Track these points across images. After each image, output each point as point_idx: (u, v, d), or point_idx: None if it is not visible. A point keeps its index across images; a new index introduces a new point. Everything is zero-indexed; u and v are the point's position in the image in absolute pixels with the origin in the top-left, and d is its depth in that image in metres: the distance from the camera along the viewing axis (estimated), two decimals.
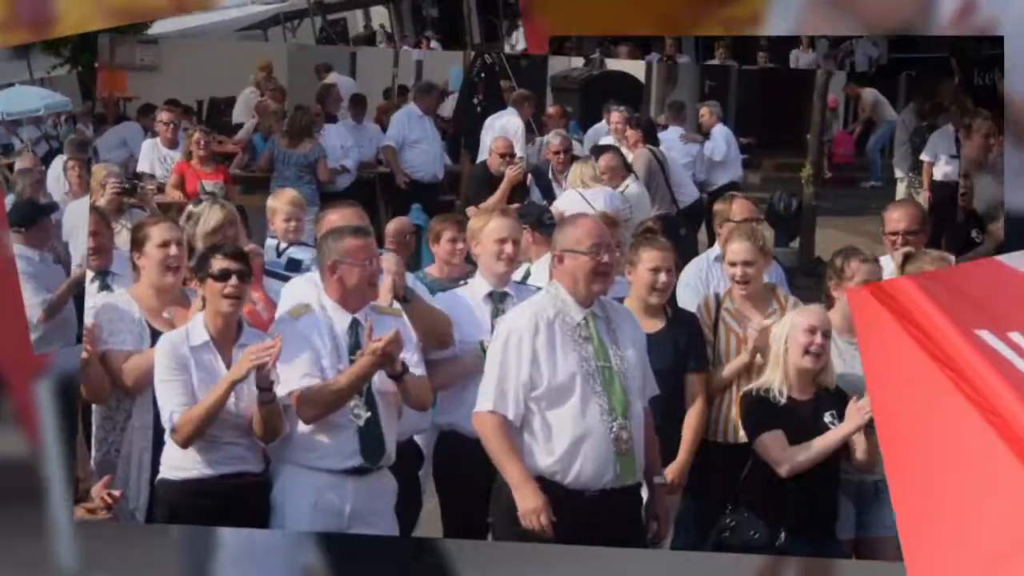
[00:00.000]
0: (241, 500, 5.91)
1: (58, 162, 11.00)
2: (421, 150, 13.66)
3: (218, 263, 5.90)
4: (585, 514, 5.59)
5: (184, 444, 5.81)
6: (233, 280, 5.86)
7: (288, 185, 10.67)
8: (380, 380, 5.85)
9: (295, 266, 7.51)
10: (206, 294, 5.94)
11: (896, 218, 7.01)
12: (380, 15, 21.89)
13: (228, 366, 5.84)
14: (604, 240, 5.71)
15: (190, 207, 7.32)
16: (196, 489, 5.90)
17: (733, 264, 6.57)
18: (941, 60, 12.96)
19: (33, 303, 7.52)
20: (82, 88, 25.80)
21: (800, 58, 14.43)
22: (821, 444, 5.98)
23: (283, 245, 7.88)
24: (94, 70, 20.84)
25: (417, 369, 5.98)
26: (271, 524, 5.99)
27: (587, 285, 5.65)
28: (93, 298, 6.89)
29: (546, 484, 5.61)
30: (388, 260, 6.23)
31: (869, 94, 15.67)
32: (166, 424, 5.87)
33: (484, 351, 6.14)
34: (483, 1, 17.26)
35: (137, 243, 6.40)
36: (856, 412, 5.93)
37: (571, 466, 5.60)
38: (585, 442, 5.59)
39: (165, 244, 6.30)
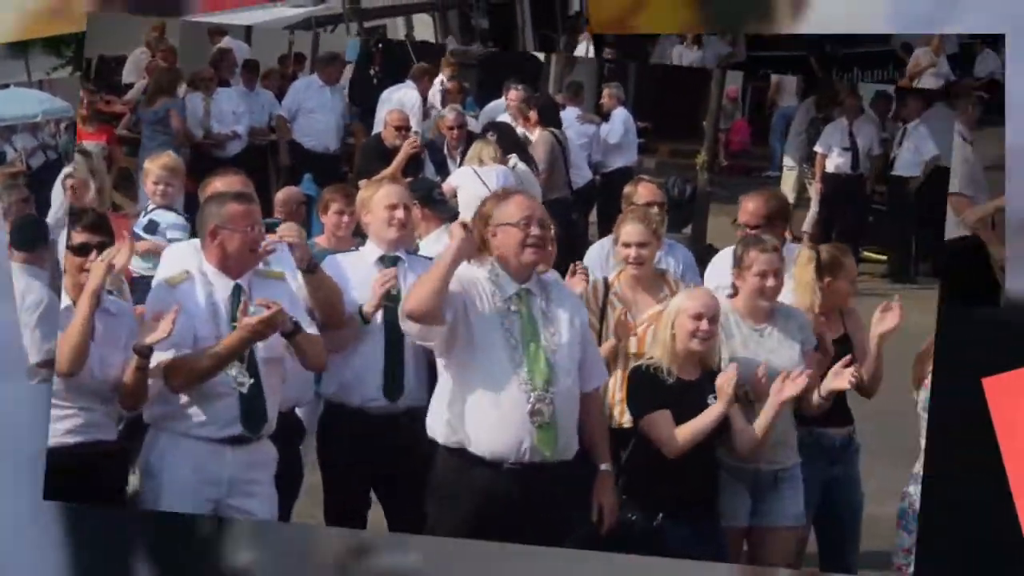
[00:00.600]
0: (96, 469, 5.92)
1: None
2: (316, 119, 13.75)
3: (77, 236, 5.95)
4: (506, 488, 5.64)
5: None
6: (92, 255, 5.87)
7: (146, 144, 10.73)
8: (265, 347, 5.85)
9: (151, 228, 7.73)
10: (67, 265, 6.00)
11: (750, 209, 7.01)
12: (424, 24, 21.98)
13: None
14: (535, 214, 5.78)
15: (66, 168, 7.45)
16: (53, 460, 5.94)
17: (627, 245, 6.60)
18: (801, 59, 13.24)
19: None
20: None
21: (684, 55, 14.51)
22: (700, 423, 6.04)
23: (151, 206, 8.01)
24: None
25: (310, 329, 6.00)
26: (145, 492, 5.99)
27: (518, 257, 5.71)
28: None
29: (459, 455, 5.69)
30: (290, 228, 6.25)
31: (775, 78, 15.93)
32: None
33: (364, 319, 6.29)
34: (539, 13, 17.18)
35: None
36: (722, 389, 5.99)
37: (481, 434, 5.66)
38: (499, 411, 5.64)
39: None
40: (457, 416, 5.71)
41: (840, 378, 6.06)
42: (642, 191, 7.57)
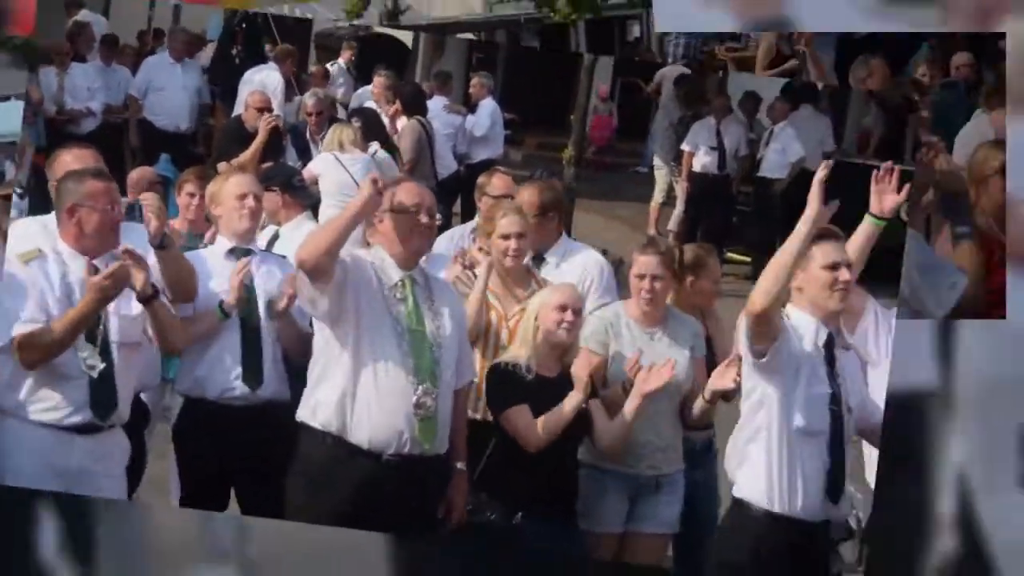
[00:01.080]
0: None
1: None
2: (166, 97, 13.50)
3: None
4: (383, 479, 5.62)
5: None
6: None
7: None
8: (119, 330, 5.78)
9: None
10: None
11: (524, 199, 7.04)
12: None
13: None
14: (425, 202, 5.80)
15: None
16: None
17: (505, 237, 6.57)
18: None
19: None
20: None
21: None
22: (556, 416, 6.04)
23: None
24: None
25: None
26: None
27: (404, 243, 5.73)
28: None
29: (336, 442, 5.64)
30: (152, 198, 6.16)
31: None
32: None
33: (223, 312, 6.25)
34: (596, 37, 17.18)
35: None
36: (577, 376, 6.01)
37: (361, 423, 5.64)
38: (383, 401, 5.63)
39: None
40: (336, 403, 5.67)
41: (724, 378, 6.01)
42: (496, 183, 7.52)
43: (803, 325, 5.58)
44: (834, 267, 5.60)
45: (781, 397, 5.49)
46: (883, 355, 6.12)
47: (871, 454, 6.16)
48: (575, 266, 6.95)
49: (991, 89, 7.65)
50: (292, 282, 6.09)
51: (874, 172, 5.95)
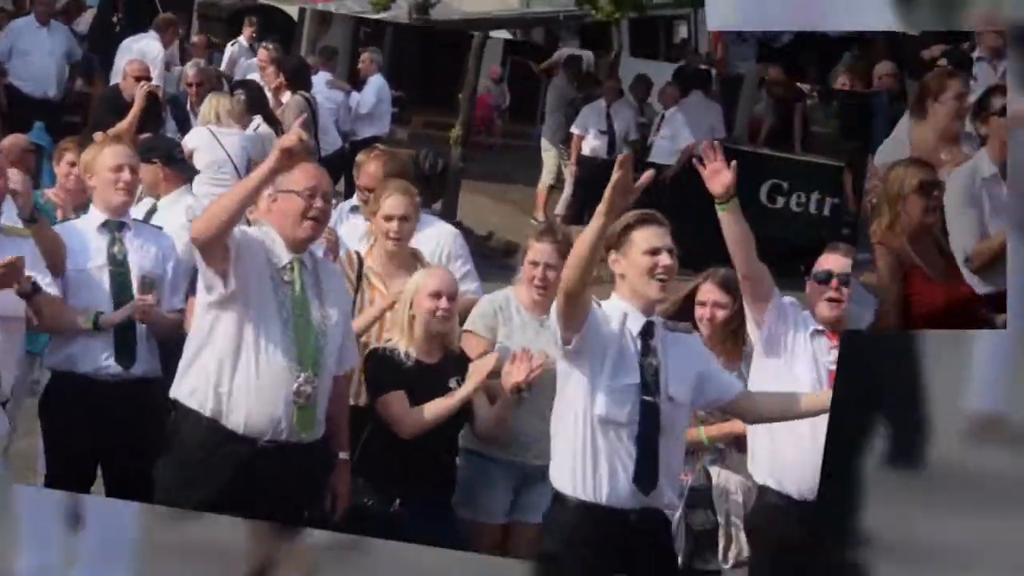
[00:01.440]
0: None
1: None
2: (31, 62, 13.04)
3: None
4: (259, 464, 5.58)
5: None
6: None
7: None
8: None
9: None
10: None
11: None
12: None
13: None
14: (320, 185, 5.70)
15: None
16: None
17: (389, 219, 6.55)
18: None
19: None
20: None
21: None
22: (442, 405, 6.03)
23: None
24: None
25: (51, 289, 6.01)
26: None
27: (296, 227, 5.64)
28: None
29: (212, 426, 5.59)
30: (14, 176, 6.16)
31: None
32: None
33: (96, 325, 6.25)
34: (640, 37, 17.08)
35: None
36: (475, 371, 6.01)
37: (238, 407, 5.58)
38: (262, 387, 5.57)
39: None
40: (214, 385, 5.61)
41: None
42: (374, 164, 7.43)
43: (614, 313, 5.49)
44: (654, 252, 5.52)
45: (586, 384, 5.41)
46: (784, 347, 6.05)
47: (755, 445, 6.13)
48: (428, 238, 6.94)
49: (916, 100, 7.72)
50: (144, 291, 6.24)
51: (704, 155, 5.87)
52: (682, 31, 16.88)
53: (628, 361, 5.44)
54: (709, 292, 6.51)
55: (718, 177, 5.76)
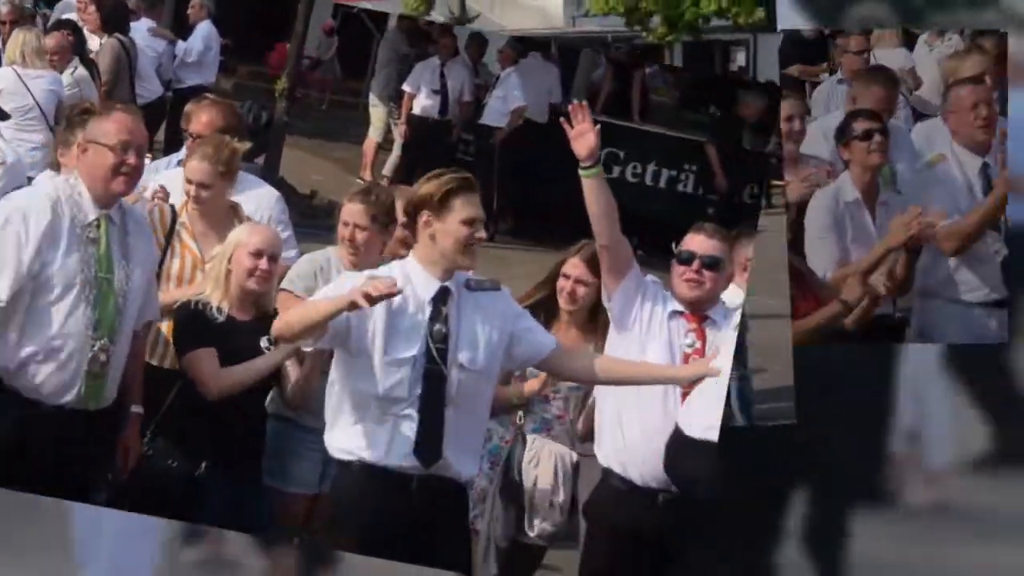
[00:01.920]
0: None
1: None
2: None
3: None
4: (50, 428, 5.58)
5: None
6: None
7: None
8: None
9: None
10: None
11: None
12: None
13: None
14: (136, 140, 5.65)
15: None
16: None
17: (189, 182, 6.46)
18: None
19: None
20: None
21: None
22: (251, 367, 6.00)
23: None
24: None
25: None
26: None
27: (106, 183, 5.60)
28: None
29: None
30: None
31: None
32: None
33: None
34: (692, 61, 17.32)
35: None
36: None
37: (33, 376, 5.55)
38: (56, 352, 5.54)
39: None
40: (10, 349, 5.55)
41: None
42: (205, 114, 7.21)
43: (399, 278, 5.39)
44: (471, 223, 5.44)
45: (359, 364, 5.41)
46: (639, 323, 6.03)
47: (602, 427, 6.15)
48: (249, 199, 6.81)
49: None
50: None
51: (572, 115, 5.77)
52: (740, 58, 16.44)
53: (409, 331, 5.33)
54: (574, 267, 6.49)
55: (583, 139, 5.68)
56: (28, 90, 9.01)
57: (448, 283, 5.44)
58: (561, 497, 6.46)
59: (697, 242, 6.05)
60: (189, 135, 7.16)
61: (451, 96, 13.46)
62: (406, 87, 13.46)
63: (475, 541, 6.27)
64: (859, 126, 7.50)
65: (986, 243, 7.43)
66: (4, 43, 10.88)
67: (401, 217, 5.84)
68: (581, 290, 6.43)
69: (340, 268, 6.33)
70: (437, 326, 5.37)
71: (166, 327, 6.26)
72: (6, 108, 8.47)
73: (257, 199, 6.91)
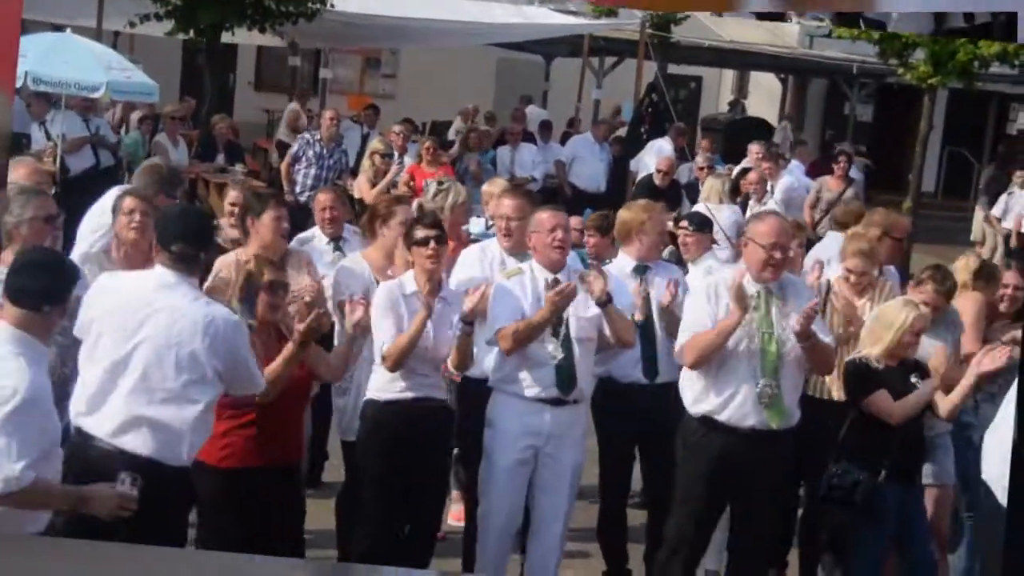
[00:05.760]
0: (425, 419, 7.80)
1: (111, 198, 8.49)
2: (585, 166, 20.84)
3: (420, 232, 7.79)
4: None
5: (392, 368, 7.68)
6: (432, 245, 7.73)
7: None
8: (578, 328, 7.84)
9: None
10: (414, 257, 7.80)
11: None
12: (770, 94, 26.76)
13: (429, 312, 7.61)
14: (780, 240, 7.65)
15: (434, 185, 9.69)
16: (392, 408, 7.81)
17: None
18: None
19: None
20: (185, 70, 26.30)
21: None
22: (918, 397, 7.75)
23: (491, 222, 10.21)
24: (213, 46, 22.19)
25: (627, 310, 8.05)
26: (485, 437, 7.99)
27: (759, 271, 7.68)
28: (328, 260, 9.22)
29: (704, 421, 7.80)
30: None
31: None
32: (377, 353, 7.77)
33: (636, 322, 8.31)
34: (958, 110, 18.13)
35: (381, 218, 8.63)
36: (938, 366, 8.00)
37: (726, 407, 7.71)
38: (737, 388, 7.67)
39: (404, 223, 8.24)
40: (707, 392, 7.74)
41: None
42: None
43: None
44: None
45: None
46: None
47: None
48: None
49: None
50: None
51: None
52: (1021, 118, 17.27)
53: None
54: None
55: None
56: (713, 217, 12.01)
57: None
58: None
59: None
60: None
61: None
62: None
63: None
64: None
65: None
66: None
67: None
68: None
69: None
70: None
71: None
72: None
73: None
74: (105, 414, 6.36)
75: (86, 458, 6.31)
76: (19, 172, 7.88)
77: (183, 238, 6.46)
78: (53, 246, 7.24)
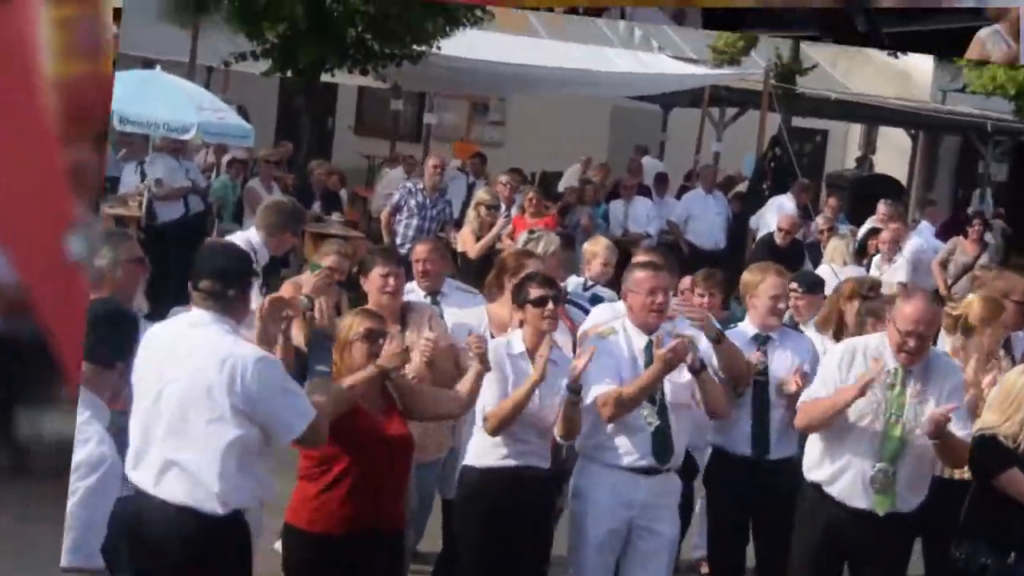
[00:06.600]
0: (527, 489, 7.69)
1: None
2: (699, 222, 20.41)
3: (535, 291, 7.74)
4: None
5: (492, 432, 7.60)
6: (549, 305, 7.72)
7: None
8: (673, 393, 7.70)
9: (597, 302, 9.70)
10: (525, 316, 7.77)
11: None
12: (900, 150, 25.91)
13: (543, 377, 7.48)
14: (919, 329, 7.37)
15: (526, 234, 10.19)
16: (492, 476, 7.71)
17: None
18: None
19: None
20: (282, 111, 26.23)
21: None
22: None
23: (590, 282, 10.37)
24: (312, 86, 22.52)
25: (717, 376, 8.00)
26: (573, 508, 7.84)
27: (897, 350, 7.45)
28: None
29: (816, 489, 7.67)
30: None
31: None
32: (479, 414, 7.68)
33: (737, 392, 8.37)
34: None
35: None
36: None
37: (836, 480, 7.58)
38: (850, 465, 7.51)
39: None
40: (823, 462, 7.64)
41: None
42: None
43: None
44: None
45: None
46: None
47: None
48: None
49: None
50: None
51: None
52: None
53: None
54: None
55: None
56: (837, 277, 12.32)
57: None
58: None
59: None
60: None
61: None
62: None
63: None
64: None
65: None
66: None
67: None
68: None
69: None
70: None
71: None
72: None
73: None
74: (146, 463, 6.31)
75: (137, 511, 6.28)
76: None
77: (212, 275, 6.37)
78: (138, 291, 7.43)
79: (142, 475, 6.30)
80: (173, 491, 6.21)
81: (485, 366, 7.41)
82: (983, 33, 10.46)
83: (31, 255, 5.92)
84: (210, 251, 6.97)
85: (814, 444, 7.74)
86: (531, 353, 7.71)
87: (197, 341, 6.28)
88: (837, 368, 7.62)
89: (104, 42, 5.82)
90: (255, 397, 6.17)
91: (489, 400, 7.59)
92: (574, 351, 8.20)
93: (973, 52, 10.82)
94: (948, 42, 11.64)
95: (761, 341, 8.66)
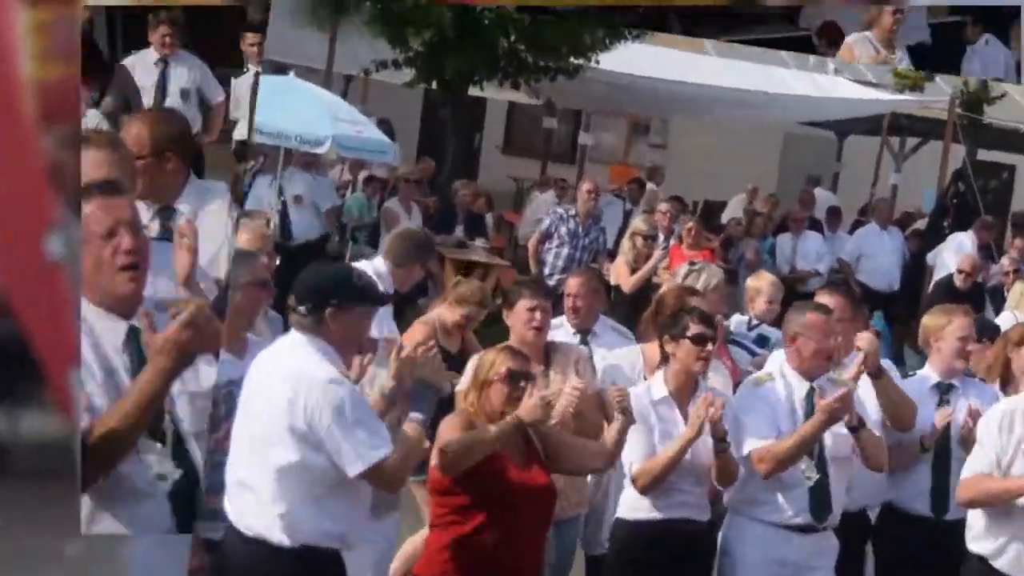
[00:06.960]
0: (683, 542, 7.47)
1: None
2: (875, 262, 19.51)
3: (695, 327, 7.46)
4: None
5: (643, 491, 7.39)
6: (709, 346, 7.49)
7: None
8: (833, 445, 7.42)
9: (763, 342, 9.57)
10: (677, 352, 7.51)
11: None
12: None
13: (685, 418, 7.37)
14: None
15: (686, 266, 9.90)
16: (645, 529, 7.51)
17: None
18: None
19: None
20: (425, 126, 25.58)
21: None
22: None
23: (755, 321, 10.13)
24: (458, 100, 22.12)
25: (875, 429, 7.54)
26: (721, 565, 7.61)
27: None
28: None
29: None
30: (864, 339, 7.78)
31: None
32: (627, 471, 7.46)
33: (923, 447, 8.07)
34: None
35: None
36: None
37: (1002, 554, 7.17)
38: (1015, 538, 7.11)
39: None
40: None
41: None
42: None
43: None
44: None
45: None
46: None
47: None
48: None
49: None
50: None
51: None
52: None
53: None
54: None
55: None
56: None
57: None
58: None
59: None
60: None
61: None
62: None
63: None
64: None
65: None
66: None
67: None
68: None
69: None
70: None
71: None
72: None
73: None
74: (227, 487, 6.26)
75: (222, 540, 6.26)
76: (240, 238, 7.69)
77: (303, 295, 6.27)
78: (262, 314, 7.36)
79: (225, 499, 6.25)
80: (241, 513, 6.14)
81: (629, 418, 7.11)
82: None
83: (11, 256, 5.87)
84: (307, 270, 6.68)
85: (977, 513, 7.32)
86: (675, 396, 7.52)
87: (284, 363, 6.19)
88: (998, 432, 7.20)
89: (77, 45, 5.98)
90: (316, 421, 6.00)
91: (636, 455, 7.41)
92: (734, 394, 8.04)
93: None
94: None
95: (944, 390, 8.32)
